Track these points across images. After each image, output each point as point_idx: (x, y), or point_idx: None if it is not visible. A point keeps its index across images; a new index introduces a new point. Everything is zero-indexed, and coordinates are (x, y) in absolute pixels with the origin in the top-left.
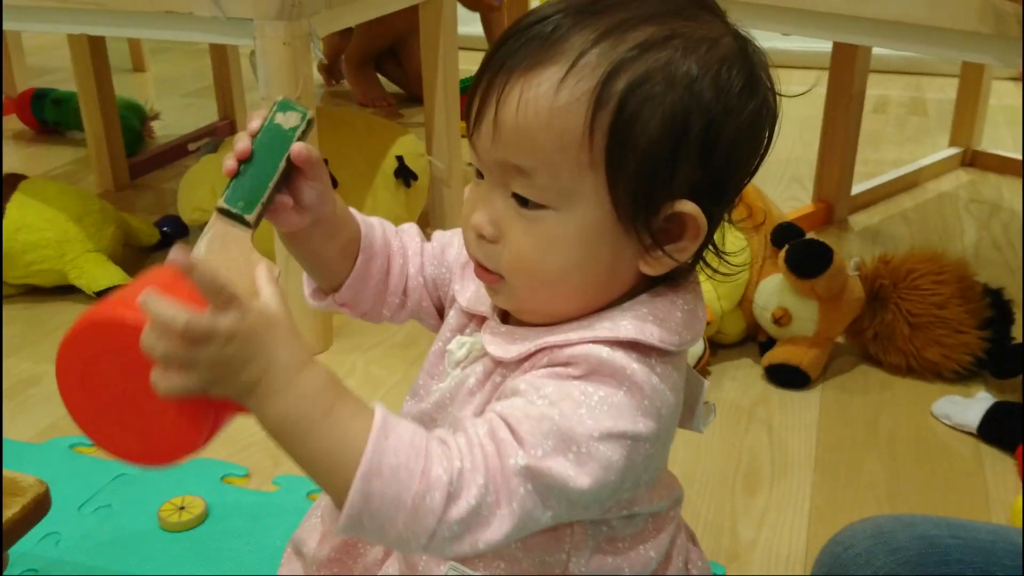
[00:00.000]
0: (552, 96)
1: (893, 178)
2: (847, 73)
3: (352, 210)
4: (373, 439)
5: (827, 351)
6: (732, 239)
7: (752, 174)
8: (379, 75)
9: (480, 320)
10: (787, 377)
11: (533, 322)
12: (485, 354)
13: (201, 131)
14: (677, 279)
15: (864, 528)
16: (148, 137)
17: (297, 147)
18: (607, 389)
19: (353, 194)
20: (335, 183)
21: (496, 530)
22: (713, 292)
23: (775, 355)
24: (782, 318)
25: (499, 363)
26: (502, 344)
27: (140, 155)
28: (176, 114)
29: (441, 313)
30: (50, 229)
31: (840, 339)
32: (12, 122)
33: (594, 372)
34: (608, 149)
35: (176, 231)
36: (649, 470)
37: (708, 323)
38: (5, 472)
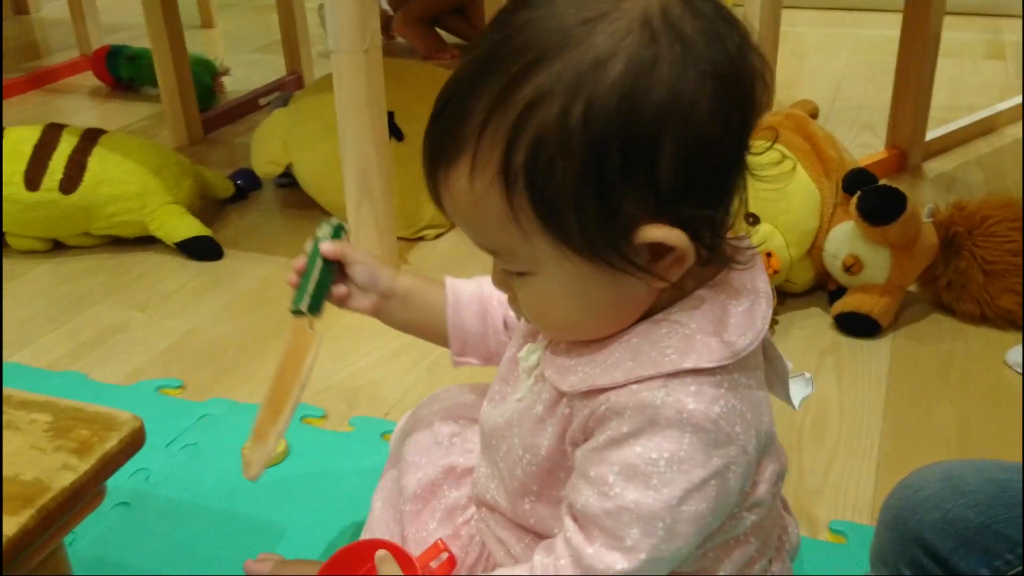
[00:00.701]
0: (469, 190)
1: (968, 124)
2: (922, 15)
3: (447, 279)
4: None
5: (899, 299)
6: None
7: (743, 146)
8: (438, 29)
9: None
10: (857, 326)
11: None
12: None
13: (270, 86)
14: (728, 264)
15: (934, 472)
16: (219, 93)
17: (324, 246)
18: (670, 445)
19: (418, 146)
20: (401, 136)
21: None
22: (782, 240)
23: (845, 303)
24: (853, 266)
25: (562, 393)
26: (559, 370)
27: (212, 110)
28: (245, 69)
29: None
30: (130, 182)
31: (912, 287)
32: (88, 79)
33: (651, 423)
34: (539, 217)
35: (249, 184)
36: (751, 473)
37: (776, 272)
38: (102, 408)
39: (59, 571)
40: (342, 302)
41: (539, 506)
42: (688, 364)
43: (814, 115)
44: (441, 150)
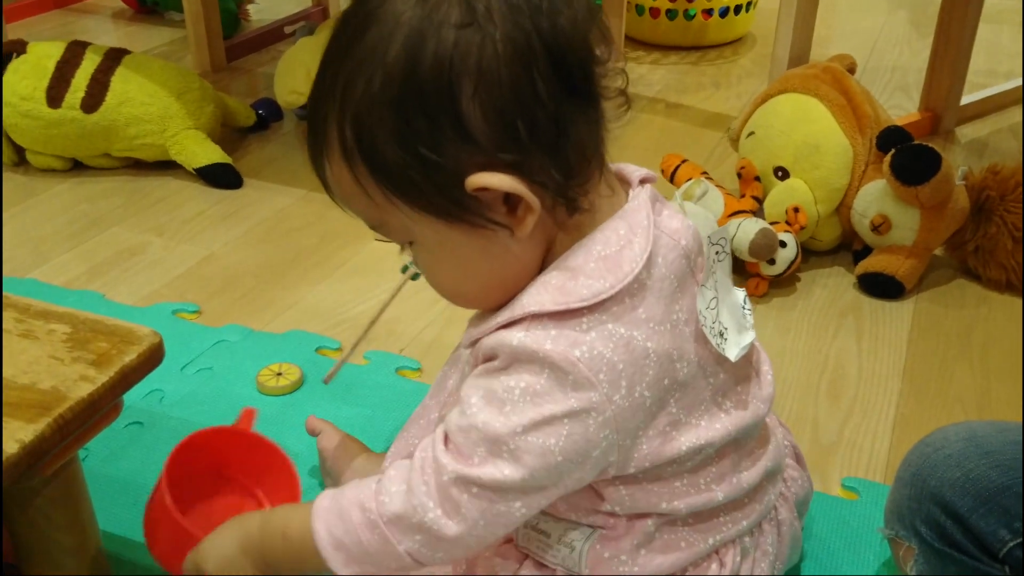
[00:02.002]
0: (332, 175)
1: (1005, 90)
2: None
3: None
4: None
5: (924, 262)
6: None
7: (573, 92)
8: None
9: None
10: (881, 286)
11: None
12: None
13: (296, 16)
14: (602, 216)
15: (957, 431)
16: (244, 20)
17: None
18: (529, 377)
19: None
20: None
21: (452, 538)
22: (810, 195)
23: (870, 263)
24: (881, 226)
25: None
26: (467, 334)
27: (236, 38)
28: None
29: None
30: (152, 104)
31: (939, 251)
32: (112, 0)
33: (515, 360)
34: (382, 187)
35: (271, 114)
36: (633, 423)
37: (803, 227)
38: (121, 322)
39: (73, 482)
40: None
41: None
42: (536, 308)
43: (851, 70)
44: (311, 145)
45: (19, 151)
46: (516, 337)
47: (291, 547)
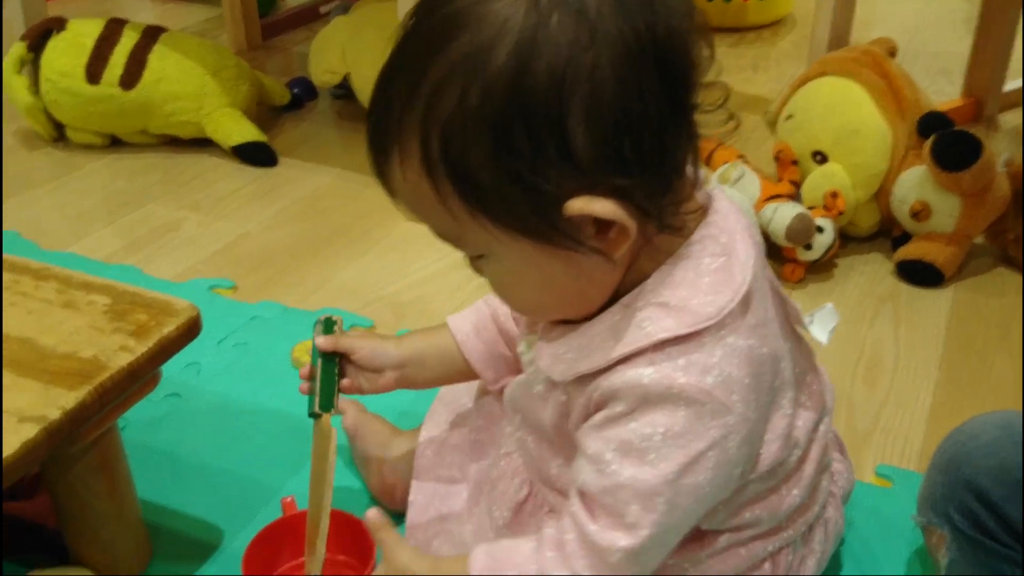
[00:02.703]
0: (404, 182)
1: None
2: None
3: (449, 319)
4: None
5: (964, 250)
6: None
7: (677, 111)
8: None
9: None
10: (920, 274)
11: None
12: None
13: None
14: (688, 229)
15: (993, 419)
16: None
17: (319, 341)
18: (665, 419)
19: None
20: None
21: None
22: (848, 180)
23: (909, 251)
24: (921, 212)
25: (562, 387)
26: (550, 360)
27: (271, 16)
28: None
29: None
30: (189, 81)
31: (979, 239)
32: None
33: (644, 403)
34: (467, 203)
35: (306, 93)
36: (759, 432)
37: (841, 213)
38: (160, 295)
39: (112, 450)
40: (358, 391)
41: (566, 471)
42: (665, 334)
43: (892, 54)
44: (376, 146)
45: (58, 127)
46: (645, 375)
47: None
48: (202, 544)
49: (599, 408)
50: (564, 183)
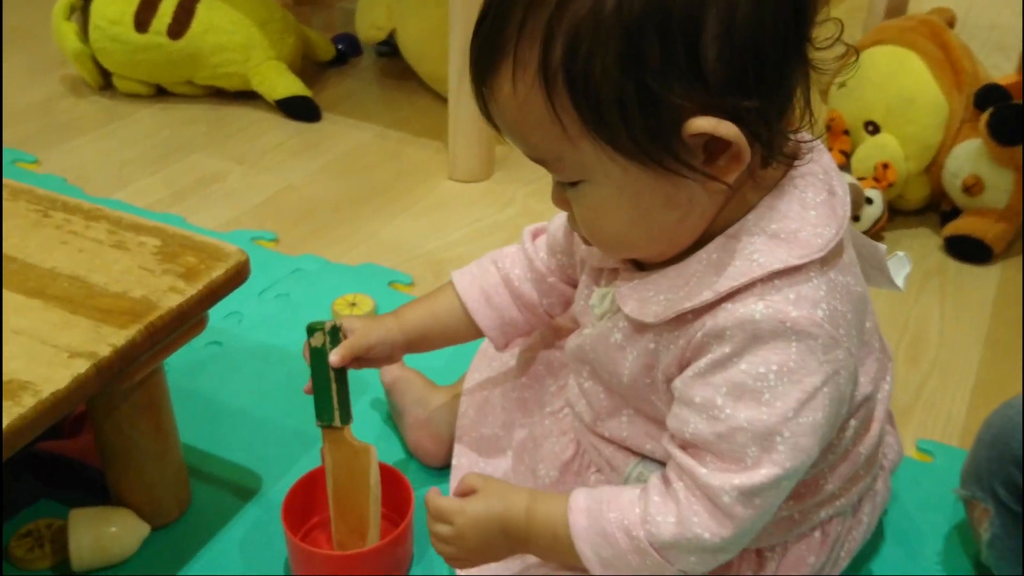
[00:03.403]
0: (513, 95)
1: None
2: None
3: (453, 278)
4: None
5: (1015, 227)
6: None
7: (799, 36)
8: None
9: (613, 270)
10: (968, 250)
11: (655, 262)
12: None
13: None
14: (793, 161)
15: None
16: None
17: (332, 359)
18: (777, 356)
19: None
20: None
21: (726, 545)
22: (900, 152)
23: (959, 226)
24: (973, 187)
25: (646, 325)
26: (637, 303)
27: None
28: None
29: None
30: (236, 32)
31: None
32: None
33: (753, 341)
34: (582, 116)
35: (350, 49)
36: (856, 375)
37: (891, 185)
38: (209, 239)
39: (158, 391)
40: (373, 363)
41: (637, 421)
42: (778, 264)
43: (951, 24)
44: (485, 57)
45: (105, 75)
46: (757, 312)
47: (559, 547)
48: (241, 490)
49: (699, 351)
50: (689, 99)
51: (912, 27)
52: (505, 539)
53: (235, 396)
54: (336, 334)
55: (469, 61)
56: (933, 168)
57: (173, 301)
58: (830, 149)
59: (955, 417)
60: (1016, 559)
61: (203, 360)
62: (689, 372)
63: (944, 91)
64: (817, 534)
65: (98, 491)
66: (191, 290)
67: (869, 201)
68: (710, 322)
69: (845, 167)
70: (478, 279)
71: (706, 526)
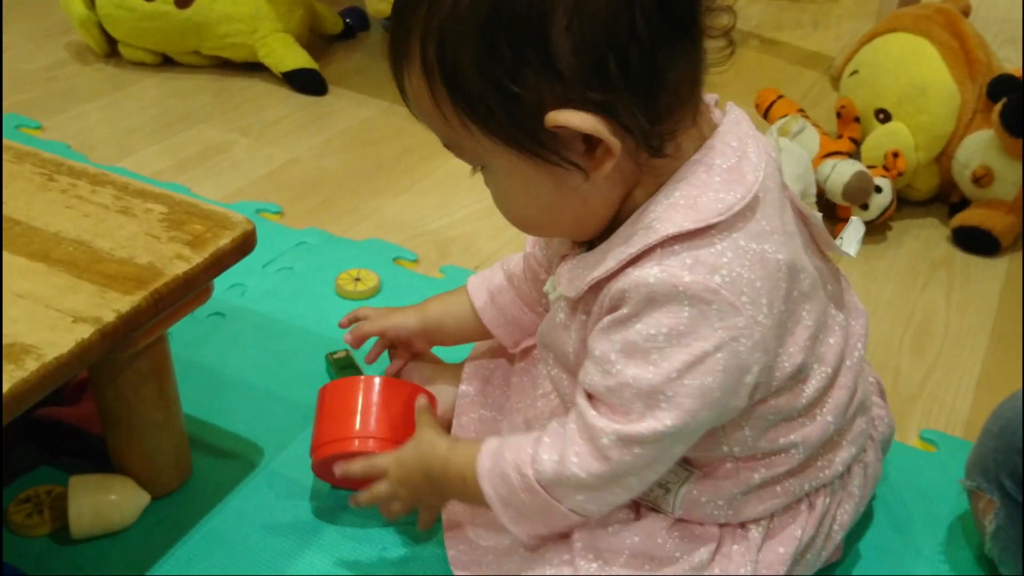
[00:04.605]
0: (411, 88)
1: None
2: None
3: (470, 282)
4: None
5: None
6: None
7: (671, 29)
8: None
9: (565, 256)
10: (976, 241)
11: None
12: None
13: None
14: (686, 151)
15: None
16: None
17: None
18: (669, 319)
19: None
20: None
21: (624, 494)
22: (911, 141)
23: (967, 217)
24: (983, 178)
25: (577, 304)
26: (568, 281)
27: None
28: None
29: None
30: (244, 3)
31: None
32: None
33: (650, 303)
34: (457, 109)
35: (358, 23)
36: (774, 343)
37: (900, 174)
38: (216, 207)
39: (162, 359)
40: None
41: None
42: (673, 229)
43: (966, 13)
44: (391, 53)
45: (111, 42)
46: (652, 275)
47: (468, 491)
48: (242, 461)
49: (610, 312)
50: (545, 92)
51: (927, 15)
52: (428, 482)
53: (237, 368)
54: (349, 363)
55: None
56: (943, 158)
57: (179, 268)
58: (839, 136)
59: (959, 408)
60: (1020, 551)
61: (206, 331)
62: (596, 328)
63: (957, 80)
64: (804, 507)
65: (98, 459)
66: (197, 258)
67: (878, 190)
68: (614, 286)
69: (855, 155)
70: (487, 280)
71: (582, 463)
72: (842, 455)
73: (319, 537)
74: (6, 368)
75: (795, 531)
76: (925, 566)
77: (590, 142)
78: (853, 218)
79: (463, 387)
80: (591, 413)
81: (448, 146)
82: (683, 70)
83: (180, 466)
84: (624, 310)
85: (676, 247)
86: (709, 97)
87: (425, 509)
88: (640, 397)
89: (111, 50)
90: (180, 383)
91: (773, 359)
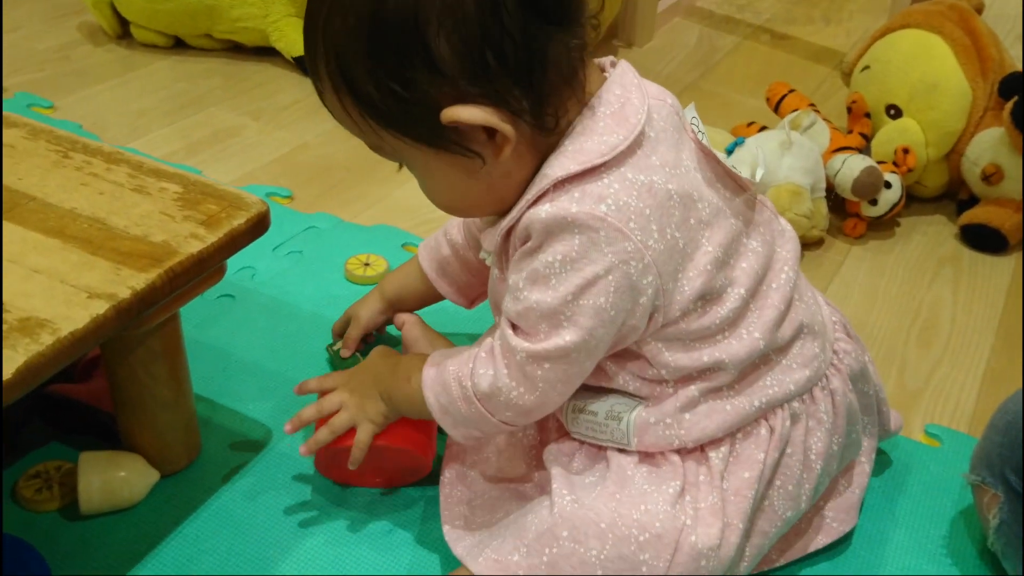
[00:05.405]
0: (325, 98)
1: None
2: None
3: (420, 249)
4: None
5: None
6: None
7: (542, 20)
8: None
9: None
10: (983, 239)
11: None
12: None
13: None
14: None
15: None
16: None
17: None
18: (563, 247)
19: None
20: None
21: (537, 406)
22: (921, 137)
23: (975, 214)
24: (993, 176)
25: (500, 256)
26: (489, 237)
27: None
28: None
29: None
30: None
31: None
32: None
33: (547, 235)
34: (364, 115)
35: None
36: (672, 265)
37: (910, 170)
38: (231, 188)
39: (173, 338)
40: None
41: None
42: (561, 173)
43: (979, 10)
44: (310, 70)
45: (123, 24)
46: (543, 211)
47: (411, 393)
48: (250, 442)
49: (516, 250)
50: (433, 93)
51: (940, 11)
52: (376, 383)
53: (246, 349)
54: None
55: None
56: (953, 155)
57: (194, 247)
58: (850, 131)
59: (964, 404)
60: (1023, 545)
61: (216, 312)
62: (511, 264)
63: (969, 78)
64: (763, 431)
65: (107, 436)
66: (212, 237)
67: (888, 185)
68: (519, 227)
69: (865, 150)
70: (434, 252)
71: (512, 377)
72: (794, 376)
73: (326, 517)
74: (21, 342)
75: (757, 454)
76: (928, 560)
77: (490, 130)
78: (759, 149)
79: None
80: (508, 333)
81: (372, 148)
82: (558, 52)
83: (189, 444)
84: (530, 244)
85: (567, 186)
86: (605, 60)
87: (364, 423)
88: (544, 318)
89: (123, 31)
90: (190, 363)
91: (672, 282)
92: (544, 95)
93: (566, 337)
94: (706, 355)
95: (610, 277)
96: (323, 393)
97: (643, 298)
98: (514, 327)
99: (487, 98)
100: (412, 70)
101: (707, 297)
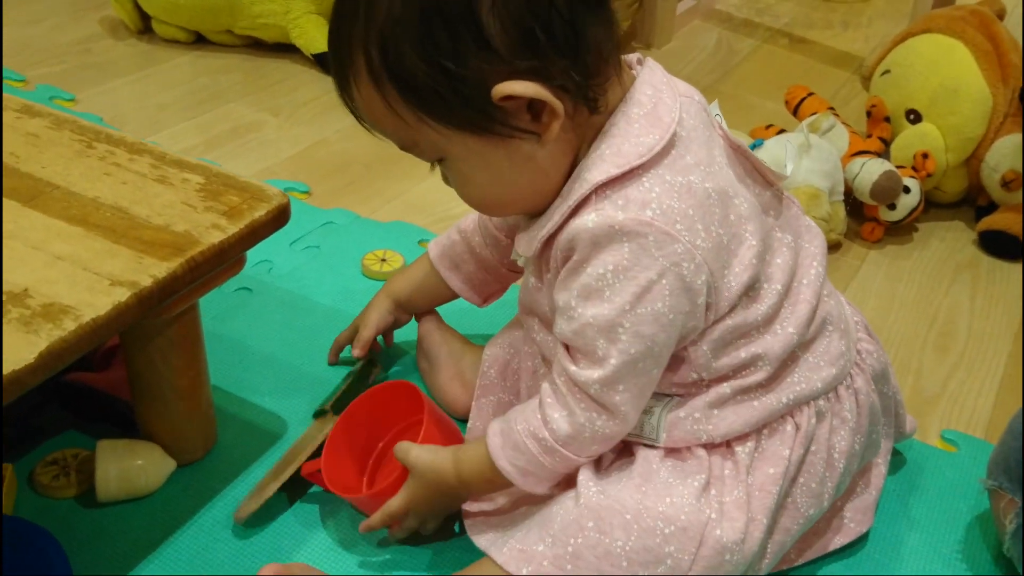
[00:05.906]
0: (361, 99)
1: None
2: None
3: (430, 247)
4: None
5: None
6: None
7: None
8: None
9: None
10: (1002, 245)
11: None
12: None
13: None
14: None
15: None
16: None
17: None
18: (612, 257)
19: None
20: None
21: (615, 429)
22: (941, 142)
23: (994, 221)
24: (1012, 182)
25: (538, 263)
26: (525, 243)
27: None
28: None
29: None
30: None
31: None
32: None
33: (595, 246)
34: (410, 105)
35: None
36: (720, 261)
37: (929, 175)
38: (252, 180)
39: (193, 328)
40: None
41: None
42: (602, 177)
43: (1001, 16)
44: (335, 72)
45: (145, 19)
46: (590, 220)
47: (487, 476)
48: (266, 433)
49: (564, 264)
50: (485, 69)
51: (961, 17)
52: (447, 497)
53: (263, 342)
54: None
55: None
56: (972, 161)
57: (215, 238)
58: (869, 136)
59: (981, 410)
60: None
61: (233, 305)
62: (557, 283)
63: (989, 83)
64: (790, 427)
65: (125, 424)
66: (233, 228)
67: (907, 190)
68: (561, 238)
69: (884, 154)
70: (447, 249)
71: (592, 410)
72: (821, 374)
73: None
74: (44, 327)
75: (783, 451)
76: (943, 564)
77: (534, 110)
78: (787, 144)
79: (485, 366)
80: (572, 368)
81: (404, 147)
82: (600, 30)
83: (206, 435)
84: (575, 258)
85: (608, 192)
86: (631, 56)
87: (433, 518)
88: (602, 333)
89: (144, 26)
90: (207, 354)
91: (720, 279)
92: (588, 71)
93: (630, 350)
94: (744, 351)
95: (664, 281)
96: (394, 524)
97: (700, 298)
98: (571, 355)
99: (535, 74)
100: (465, 48)
101: (750, 292)
